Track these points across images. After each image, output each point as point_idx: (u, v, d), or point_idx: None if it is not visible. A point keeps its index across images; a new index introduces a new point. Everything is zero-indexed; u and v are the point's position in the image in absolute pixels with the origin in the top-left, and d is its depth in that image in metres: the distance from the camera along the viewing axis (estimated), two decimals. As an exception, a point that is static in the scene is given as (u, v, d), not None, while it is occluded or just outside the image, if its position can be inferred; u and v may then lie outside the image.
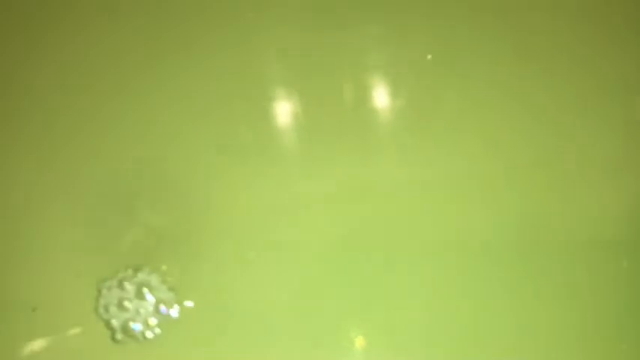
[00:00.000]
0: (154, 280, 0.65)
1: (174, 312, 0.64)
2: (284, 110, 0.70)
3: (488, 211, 0.68)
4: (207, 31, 0.70)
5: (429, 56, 0.67)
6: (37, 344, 0.65)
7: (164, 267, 0.65)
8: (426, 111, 0.70)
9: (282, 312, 0.66)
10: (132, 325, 0.64)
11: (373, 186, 0.68)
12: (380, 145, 0.70)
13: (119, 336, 0.64)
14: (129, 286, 0.64)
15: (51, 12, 0.71)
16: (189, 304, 0.65)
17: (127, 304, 0.64)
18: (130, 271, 0.64)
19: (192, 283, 0.66)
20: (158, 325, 0.64)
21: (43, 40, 0.70)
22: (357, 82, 0.71)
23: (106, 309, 0.64)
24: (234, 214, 0.68)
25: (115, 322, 0.64)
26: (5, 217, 0.67)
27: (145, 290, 0.64)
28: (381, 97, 0.71)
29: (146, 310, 0.64)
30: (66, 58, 0.70)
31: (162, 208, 0.67)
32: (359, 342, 0.65)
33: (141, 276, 0.64)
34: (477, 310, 0.66)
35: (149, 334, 0.64)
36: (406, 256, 0.67)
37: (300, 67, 0.71)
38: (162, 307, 0.64)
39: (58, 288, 0.66)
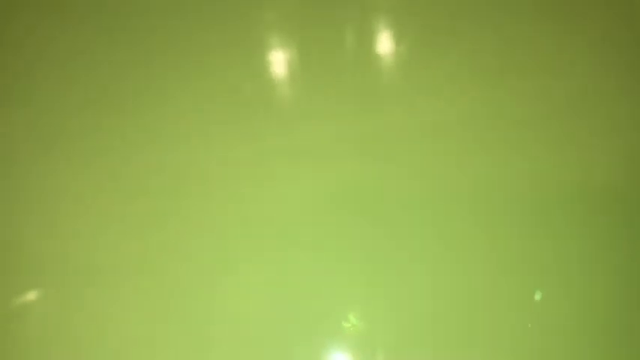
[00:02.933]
0: None
1: None
2: (282, 59, 0.70)
3: (490, 160, 0.68)
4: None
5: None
6: None
7: None
8: (427, 60, 0.70)
9: (278, 259, 0.66)
10: None
11: (373, 135, 0.68)
12: (380, 94, 0.69)
13: None
14: None
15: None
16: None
17: None
18: None
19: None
20: None
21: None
22: (358, 30, 0.70)
23: None
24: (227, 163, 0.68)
25: None
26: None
27: None
28: (381, 45, 0.70)
29: None
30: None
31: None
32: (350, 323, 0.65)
33: None
34: (481, 262, 0.66)
35: None
36: (408, 206, 0.67)
37: (299, 14, 0.71)
38: None
39: None
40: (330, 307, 0.65)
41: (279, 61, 0.70)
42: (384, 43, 0.70)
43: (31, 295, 0.65)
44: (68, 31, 0.71)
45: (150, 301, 0.65)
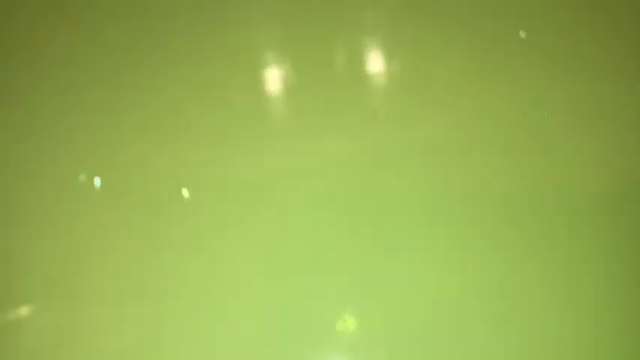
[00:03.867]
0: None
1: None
2: (274, 74, 0.69)
3: (488, 171, 0.67)
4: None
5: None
6: None
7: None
8: (423, 73, 0.69)
9: (272, 277, 0.65)
10: None
11: (369, 151, 0.67)
12: (376, 109, 0.69)
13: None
14: None
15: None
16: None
17: None
18: None
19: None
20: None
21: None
22: (352, 43, 0.70)
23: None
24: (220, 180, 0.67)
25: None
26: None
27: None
28: (376, 59, 0.70)
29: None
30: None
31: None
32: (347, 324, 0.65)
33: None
34: (478, 269, 0.65)
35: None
36: (403, 222, 0.66)
37: (292, 27, 0.70)
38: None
39: None
40: (326, 312, 0.65)
41: (274, 73, 0.70)
42: (381, 59, 0.70)
43: (23, 310, 0.64)
44: (66, 32, 0.70)
45: (146, 310, 0.64)
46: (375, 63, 0.70)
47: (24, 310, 0.64)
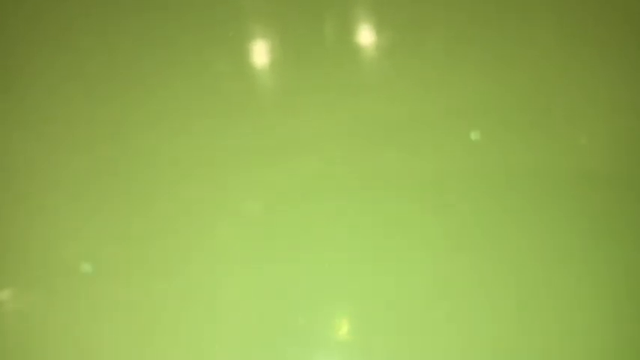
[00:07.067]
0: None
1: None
2: (265, 50, 0.69)
3: (477, 146, 0.66)
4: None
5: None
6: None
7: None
8: (412, 47, 0.68)
9: (266, 256, 0.64)
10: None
11: (358, 126, 0.67)
12: (364, 83, 0.68)
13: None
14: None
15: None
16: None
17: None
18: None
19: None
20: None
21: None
22: (341, 20, 0.69)
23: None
24: (211, 156, 0.66)
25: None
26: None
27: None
28: (365, 33, 0.69)
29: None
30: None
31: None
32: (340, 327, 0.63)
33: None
34: (467, 248, 0.64)
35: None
36: (393, 198, 0.65)
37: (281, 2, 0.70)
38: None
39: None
40: (322, 306, 0.64)
41: (262, 53, 0.70)
42: (368, 33, 0.70)
43: (5, 294, 0.64)
44: (66, 29, 0.71)
45: (132, 300, 0.64)
46: (363, 38, 0.70)
47: (5, 293, 0.64)
